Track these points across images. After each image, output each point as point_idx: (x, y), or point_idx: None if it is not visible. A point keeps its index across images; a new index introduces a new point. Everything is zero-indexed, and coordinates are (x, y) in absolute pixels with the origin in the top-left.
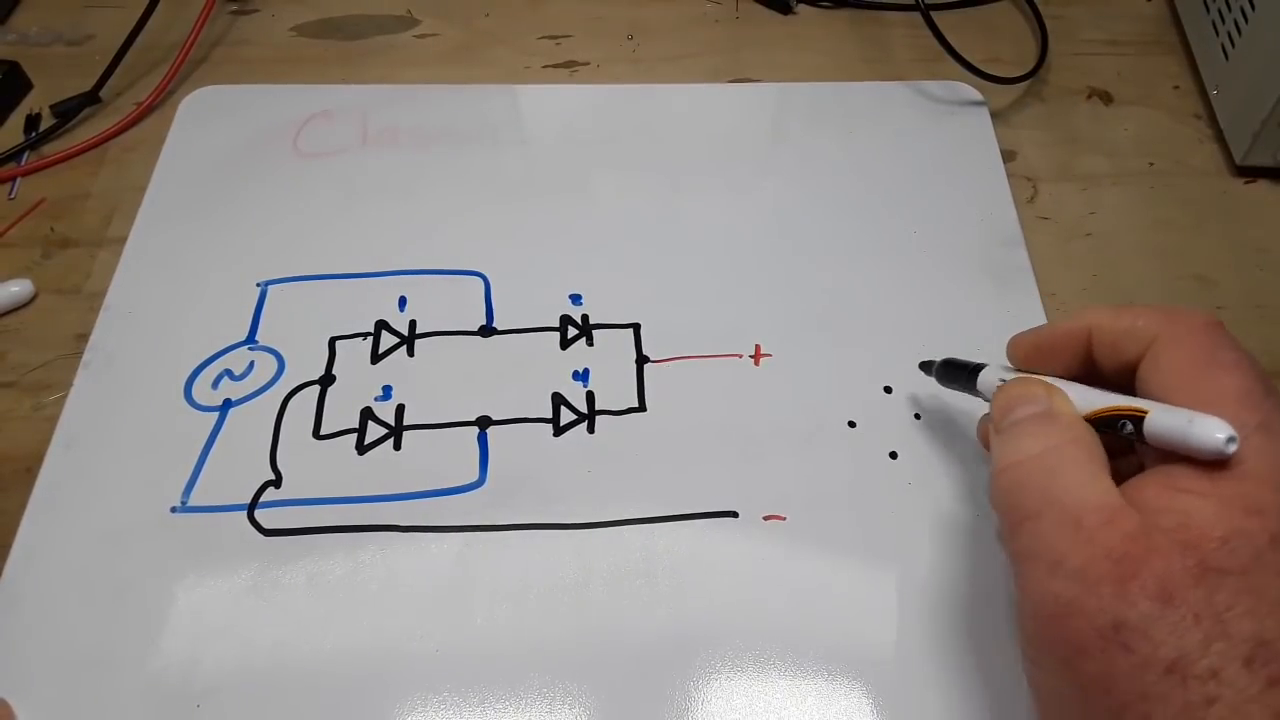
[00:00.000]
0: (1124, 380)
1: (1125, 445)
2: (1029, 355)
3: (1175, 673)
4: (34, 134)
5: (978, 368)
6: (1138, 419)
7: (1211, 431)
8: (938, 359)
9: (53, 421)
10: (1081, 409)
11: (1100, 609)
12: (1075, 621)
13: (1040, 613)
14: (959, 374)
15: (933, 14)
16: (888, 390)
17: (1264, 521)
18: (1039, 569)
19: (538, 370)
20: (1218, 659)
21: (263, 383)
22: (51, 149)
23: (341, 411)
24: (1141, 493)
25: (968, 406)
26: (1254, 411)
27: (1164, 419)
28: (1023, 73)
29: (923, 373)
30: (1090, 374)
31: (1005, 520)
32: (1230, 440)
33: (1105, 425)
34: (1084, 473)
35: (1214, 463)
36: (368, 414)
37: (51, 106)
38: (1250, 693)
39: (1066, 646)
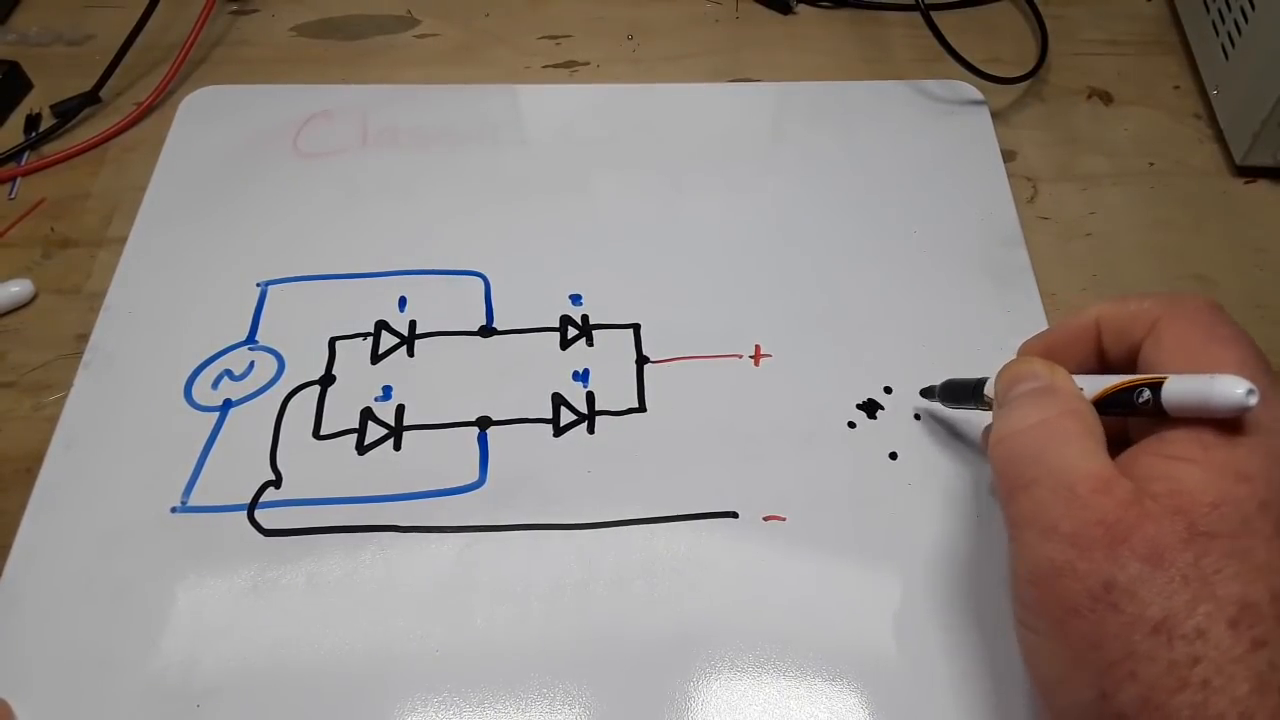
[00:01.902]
0: (1130, 368)
1: (1121, 434)
2: (1043, 357)
3: (1161, 632)
4: (34, 134)
5: (980, 381)
6: (1155, 386)
7: (1232, 388)
8: (937, 383)
9: (53, 421)
10: (1093, 389)
11: (1091, 570)
12: (1067, 582)
13: (1034, 575)
14: (961, 392)
15: (933, 14)
16: (888, 390)
17: (1253, 488)
18: (1033, 534)
19: (538, 370)
20: (1204, 620)
21: (263, 383)
22: (51, 149)
23: (341, 412)
24: (1135, 462)
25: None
26: (1251, 381)
27: (1183, 381)
28: (1023, 73)
29: (925, 399)
30: (1101, 369)
31: (1003, 487)
32: (1250, 393)
33: (1118, 403)
34: (1080, 444)
35: (1211, 426)
36: (368, 414)
37: (51, 106)
38: (1234, 653)
39: (1058, 607)
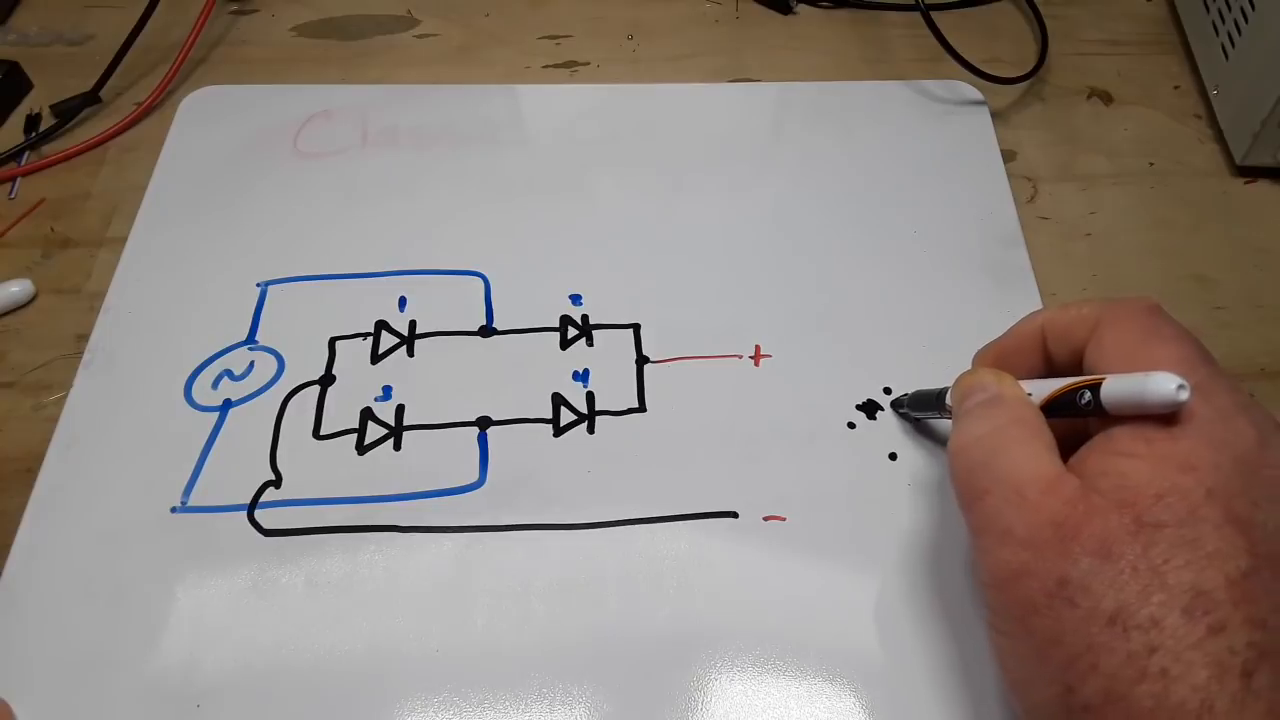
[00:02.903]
0: (1076, 371)
1: (1085, 434)
2: (994, 365)
3: (1117, 623)
4: (34, 134)
5: (943, 391)
6: (1095, 386)
7: (1164, 384)
8: (905, 395)
9: (53, 421)
10: (1041, 393)
11: (1046, 569)
12: (1026, 582)
13: (995, 579)
14: (927, 402)
15: (933, 14)
16: (887, 390)
17: (1199, 477)
18: (991, 540)
19: (538, 370)
20: (1157, 609)
21: (263, 383)
22: (51, 149)
23: (341, 411)
24: (1084, 461)
25: None
26: (1190, 375)
27: (1119, 381)
28: (1023, 73)
29: (895, 410)
30: (1050, 374)
31: (961, 498)
32: (1181, 388)
33: (1064, 406)
34: (1027, 449)
35: (1156, 421)
36: (368, 414)
37: (51, 106)
38: (1190, 640)
39: (1020, 607)
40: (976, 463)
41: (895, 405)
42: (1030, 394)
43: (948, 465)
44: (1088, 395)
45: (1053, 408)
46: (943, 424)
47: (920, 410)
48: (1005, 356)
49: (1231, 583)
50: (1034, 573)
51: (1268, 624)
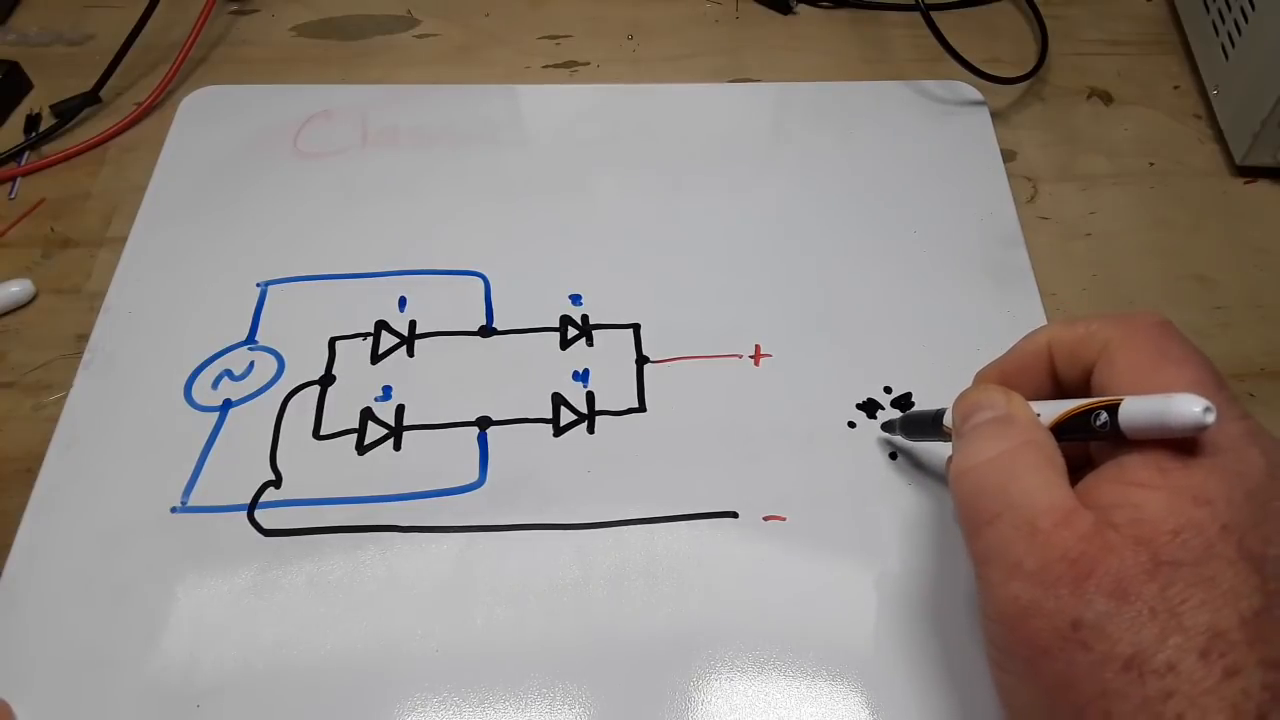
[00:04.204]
0: (1084, 392)
1: (1082, 455)
2: (999, 384)
3: (1133, 668)
4: (34, 134)
5: (940, 412)
6: (1112, 408)
7: (1189, 406)
8: (896, 417)
9: (53, 421)
10: (1050, 415)
11: (1058, 609)
12: (1035, 622)
13: (1002, 615)
14: (921, 425)
15: (933, 14)
16: (888, 390)
17: (1213, 510)
18: (999, 571)
19: (537, 370)
20: (1174, 652)
21: (263, 383)
22: (51, 149)
23: (341, 412)
24: (1095, 490)
25: None
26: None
27: (1140, 403)
28: (1023, 73)
29: (885, 433)
30: (1056, 395)
31: (965, 523)
32: (1208, 410)
33: (1076, 428)
34: (1040, 476)
35: (1168, 449)
36: (368, 414)
37: (51, 106)
38: (1206, 685)
39: (1028, 647)
40: (985, 487)
41: (886, 428)
42: (1039, 414)
43: (950, 487)
44: (1104, 417)
45: (1060, 430)
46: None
47: (913, 433)
48: (1009, 376)
49: (1245, 622)
50: (1044, 612)
51: None
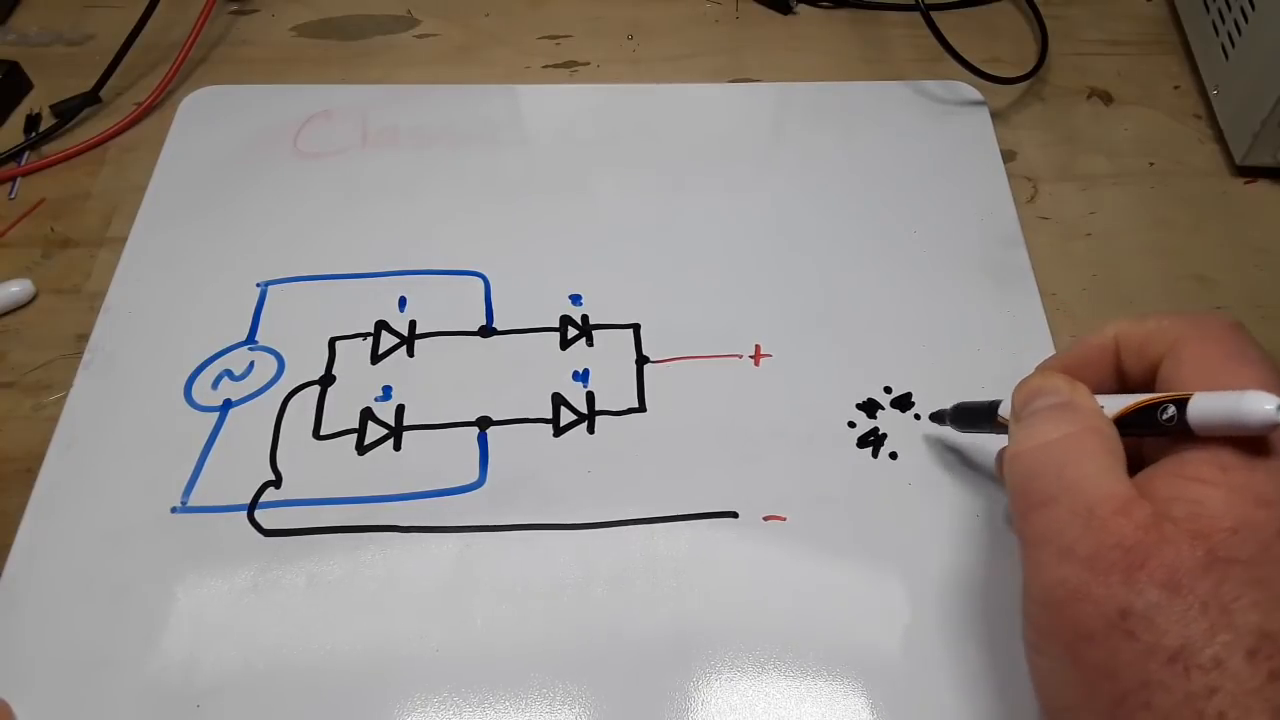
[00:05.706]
0: (1148, 387)
1: (1135, 456)
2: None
3: (1178, 662)
4: (34, 134)
5: (995, 403)
6: (1181, 402)
7: (1261, 403)
8: (947, 407)
9: (53, 421)
10: (1114, 407)
11: (1108, 596)
12: (1083, 607)
13: (1048, 598)
14: (974, 415)
15: (933, 14)
16: (888, 390)
17: (1272, 513)
18: (1049, 554)
19: (537, 370)
20: (1221, 649)
21: (263, 383)
22: (51, 149)
23: (341, 412)
24: (1153, 483)
25: None
26: None
27: (1210, 399)
28: (1023, 73)
29: (935, 424)
30: (1120, 390)
31: (1018, 504)
32: None
33: (1140, 422)
34: (1099, 462)
35: (1231, 447)
36: (368, 414)
37: (51, 106)
38: (1251, 685)
39: (1072, 632)
40: (1042, 469)
41: (935, 418)
42: (1102, 406)
43: (1004, 468)
44: (1171, 410)
45: (1123, 424)
46: (950, 431)
47: (964, 424)
48: (1072, 369)
49: None
50: (1093, 598)
51: None
